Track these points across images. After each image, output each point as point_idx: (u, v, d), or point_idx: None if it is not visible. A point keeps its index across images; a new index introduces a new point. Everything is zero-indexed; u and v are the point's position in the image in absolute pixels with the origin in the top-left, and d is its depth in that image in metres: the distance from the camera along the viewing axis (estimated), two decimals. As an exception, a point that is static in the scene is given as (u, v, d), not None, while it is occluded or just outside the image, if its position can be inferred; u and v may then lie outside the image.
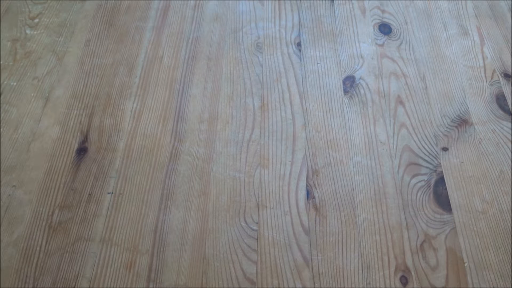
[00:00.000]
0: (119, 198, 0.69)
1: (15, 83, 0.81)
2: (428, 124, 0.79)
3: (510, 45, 0.90)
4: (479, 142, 0.77)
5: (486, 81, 0.85)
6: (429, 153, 0.75)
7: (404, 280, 0.63)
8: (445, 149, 0.76)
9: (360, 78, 0.84)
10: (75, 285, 0.62)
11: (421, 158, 0.75)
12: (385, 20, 0.94)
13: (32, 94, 0.80)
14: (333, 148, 0.76)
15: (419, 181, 0.72)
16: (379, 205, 0.70)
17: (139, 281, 0.63)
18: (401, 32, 0.92)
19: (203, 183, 0.71)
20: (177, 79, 0.83)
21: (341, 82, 0.84)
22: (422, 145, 0.76)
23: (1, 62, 0.84)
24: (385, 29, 0.92)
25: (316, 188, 0.71)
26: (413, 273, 0.64)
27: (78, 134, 0.76)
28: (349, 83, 0.84)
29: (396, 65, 0.86)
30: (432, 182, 0.72)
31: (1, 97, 0.79)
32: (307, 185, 0.71)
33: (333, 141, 0.76)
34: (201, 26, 0.91)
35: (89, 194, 0.70)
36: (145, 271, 0.63)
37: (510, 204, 0.70)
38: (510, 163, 0.75)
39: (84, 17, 0.92)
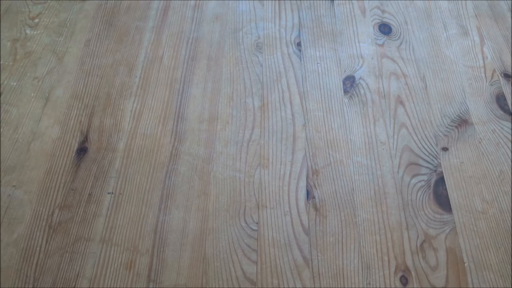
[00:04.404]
0: (119, 198, 0.69)
1: (15, 83, 0.81)
2: (428, 124, 0.79)
3: (510, 45, 0.90)
4: (479, 142, 0.77)
5: (486, 81, 0.85)
6: (429, 153, 0.75)
7: (404, 280, 0.63)
8: (445, 149, 0.76)
9: (360, 78, 0.84)
10: (75, 285, 0.62)
11: (421, 158, 0.75)
12: (385, 20, 0.94)
13: (32, 94, 0.80)
14: (333, 148, 0.76)
15: (419, 181, 0.72)
16: (379, 205, 0.70)
17: (139, 281, 0.63)
18: (401, 32, 0.92)
19: (203, 183, 0.71)
20: (177, 79, 0.83)
21: (341, 82, 0.84)
22: (422, 145, 0.76)
23: (1, 62, 0.84)
24: (385, 29, 0.92)
25: (316, 188, 0.71)
26: (413, 273, 0.64)
27: (78, 134, 0.76)
28: (349, 83, 0.84)
29: (396, 65, 0.86)
30: (432, 182, 0.72)
31: (1, 97, 0.79)
32: (307, 185, 0.71)
33: (333, 141, 0.76)
34: (201, 26, 0.91)
35: (89, 194, 0.70)
36: (145, 271, 0.63)
37: (510, 204, 0.70)
38: (510, 163, 0.75)
39: (84, 17, 0.92)
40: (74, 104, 0.79)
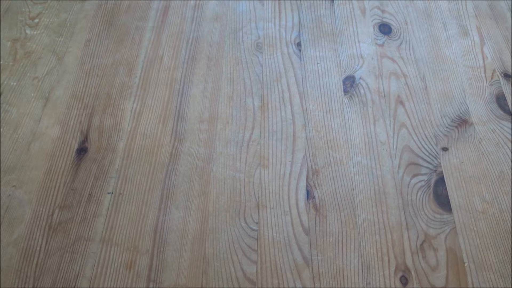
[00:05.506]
0: (119, 198, 0.69)
1: (15, 83, 0.81)
2: (428, 124, 0.79)
3: (510, 45, 0.90)
4: (479, 142, 0.77)
5: (486, 81, 0.85)
6: (429, 153, 0.75)
7: (404, 280, 0.63)
8: (445, 149, 0.76)
9: (360, 78, 0.84)
10: (75, 285, 0.62)
11: (421, 158, 0.75)
12: (385, 20, 0.94)
13: (32, 94, 0.80)
14: (333, 148, 0.76)
15: (419, 181, 0.72)
16: (379, 205, 0.70)
17: (139, 281, 0.63)
18: (401, 32, 0.92)
19: (203, 183, 0.71)
20: (177, 79, 0.83)
21: (341, 82, 0.84)
22: (422, 145, 0.76)
23: (1, 62, 0.84)
24: (385, 29, 0.92)
25: (316, 188, 0.71)
26: (413, 273, 0.64)
27: (78, 134, 0.76)
28: (349, 83, 0.84)
29: (396, 65, 0.86)
30: (432, 182, 0.72)
31: (1, 97, 0.79)
32: (307, 185, 0.71)
33: (333, 141, 0.76)
34: (201, 26, 0.91)
35: (89, 194, 0.70)
36: (145, 271, 0.63)
37: (510, 204, 0.70)
38: (510, 163, 0.75)
39: (84, 17, 0.92)
40: (74, 104, 0.79)
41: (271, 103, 0.81)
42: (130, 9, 0.93)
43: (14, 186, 0.70)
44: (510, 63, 0.87)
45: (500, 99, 0.82)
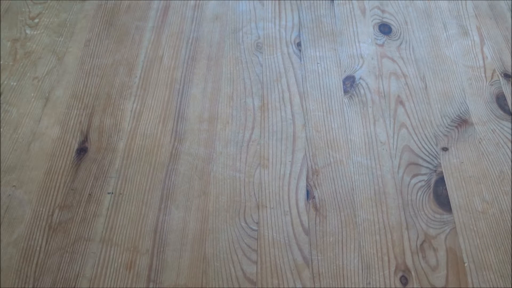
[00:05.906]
0: (119, 198, 0.69)
1: (15, 83, 0.81)
2: (428, 124, 0.79)
3: (510, 45, 0.90)
4: (479, 142, 0.77)
5: (486, 81, 0.85)
6: (429, 153, 0.75)
7: (404, 280, 0.63)
8: (445, 149, 0.76)
9: (360, 78, 0.84)
10: (75, 285, 0.62)
11: (421, 158, 0.75)
12: (385, 20, 0.94)
13: (32, 94, 0.80)
14: (333, 148, 0.76)
15: (419, 181, 0.72)
16: (379, 205, 0.70)
17: (139, 281, 0.63)
18: (401, 32, 0.92)
19: (203, 183, 0.71)
20: (177, 79, 0.83)
21: (341, 82, 0.84)
22: (422, 145, 0.76)
23: (1, 62, 0.84)
24: (385, 29, 0.92)
25: (316, 188, 0.71)
26: (413, 273, 0.64)
27: (78, 134, 0.76)
28: (349, 83, 0.84)
29: (396, 65, 0.86)
30: (432, 182, 0.72)
31: (1, 97, 0.79)
32: (307, 185, 0.71)
33: (333, 141, 0.76)
34: (201, 26, 0.91)
35: (89, 194, 0.70)
36: (145, 271, 0.63)
37: (510, 204, 0.70)
38: (510, 163, 0.75)
39: (84, 17, 0.92)
40: (74, 104, 0.79)
41: (271, 103, 0.81)
42: (130, 9, 0.93)
43: (14, 186, 0.70)
44: (510, 63, 0.87)
45: (500, 99, 0.82)
